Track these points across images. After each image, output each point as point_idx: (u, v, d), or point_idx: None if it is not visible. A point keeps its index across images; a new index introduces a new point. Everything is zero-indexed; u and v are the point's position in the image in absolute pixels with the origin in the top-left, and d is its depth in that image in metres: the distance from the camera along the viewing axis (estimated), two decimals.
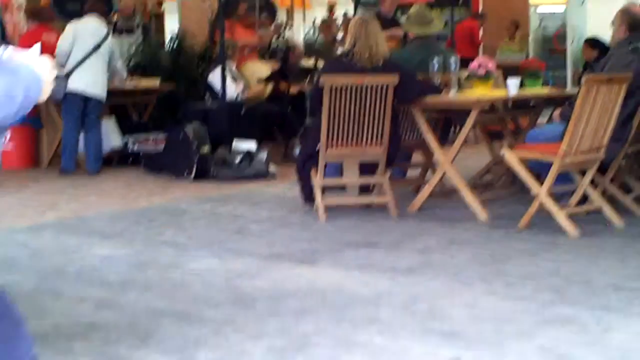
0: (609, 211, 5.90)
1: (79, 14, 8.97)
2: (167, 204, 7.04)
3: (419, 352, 3.52)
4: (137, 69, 10.21)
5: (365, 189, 6.84)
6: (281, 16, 15.55)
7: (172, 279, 4.71)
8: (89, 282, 4.58)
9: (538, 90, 7.23)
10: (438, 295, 4.32)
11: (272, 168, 8.36)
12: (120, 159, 9.22)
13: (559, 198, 6.05)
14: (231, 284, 4.57)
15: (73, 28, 8.56)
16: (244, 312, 4.08)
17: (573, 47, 13.82)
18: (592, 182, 6.00)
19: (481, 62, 6.81)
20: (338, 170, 6.99)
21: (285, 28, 14.55)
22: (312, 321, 3.91)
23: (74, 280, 4.71)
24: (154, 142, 9.09)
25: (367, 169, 6.60)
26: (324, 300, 4.25)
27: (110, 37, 8.80)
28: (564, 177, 5.94)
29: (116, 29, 10.53)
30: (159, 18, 13.55)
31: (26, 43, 8.21)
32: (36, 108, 6.13)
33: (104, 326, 3.88)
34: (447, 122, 7.45)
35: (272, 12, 14.33)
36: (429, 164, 7.20)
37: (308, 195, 6.50)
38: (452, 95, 6.52)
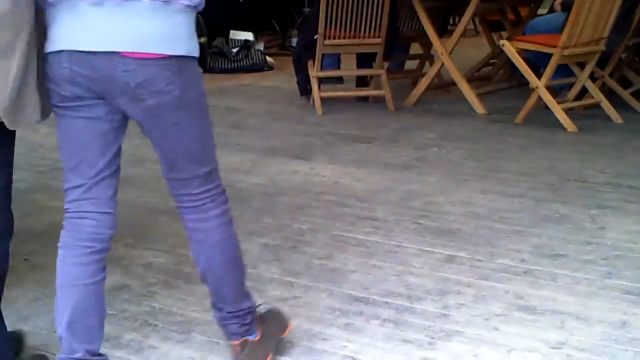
0: (607, 106, 5.85)
1: None
2: None
3: (414, 250, 3.53)
4: None
5: (362, 82, 6.79)
6: None
7: None
8: None
9: None
10: (433, 192, 4.32)
11: (270, 60, 8.27)
12: None
13: (557, 93, 6.00)
14: (226, 180, 4.49)
15: None
16: (239, 209, 4.06)
17: None
18: (591, 76, 5.94)
19: None
20: (335, 62, 6.92)
21: None
22: (307, 218, 3.92)
23: None
24: None
25: (364, 61, 6.53)
26: (319, 197, 4.25)
27: None
28: (562, 71, 5.87)
29: None
30: None
31: None
32: None
33: None
34: (446, 13, 7.32)
35: None
36: (427, 56, 7.11)
37: (305, 87, 6.45)
38: None
